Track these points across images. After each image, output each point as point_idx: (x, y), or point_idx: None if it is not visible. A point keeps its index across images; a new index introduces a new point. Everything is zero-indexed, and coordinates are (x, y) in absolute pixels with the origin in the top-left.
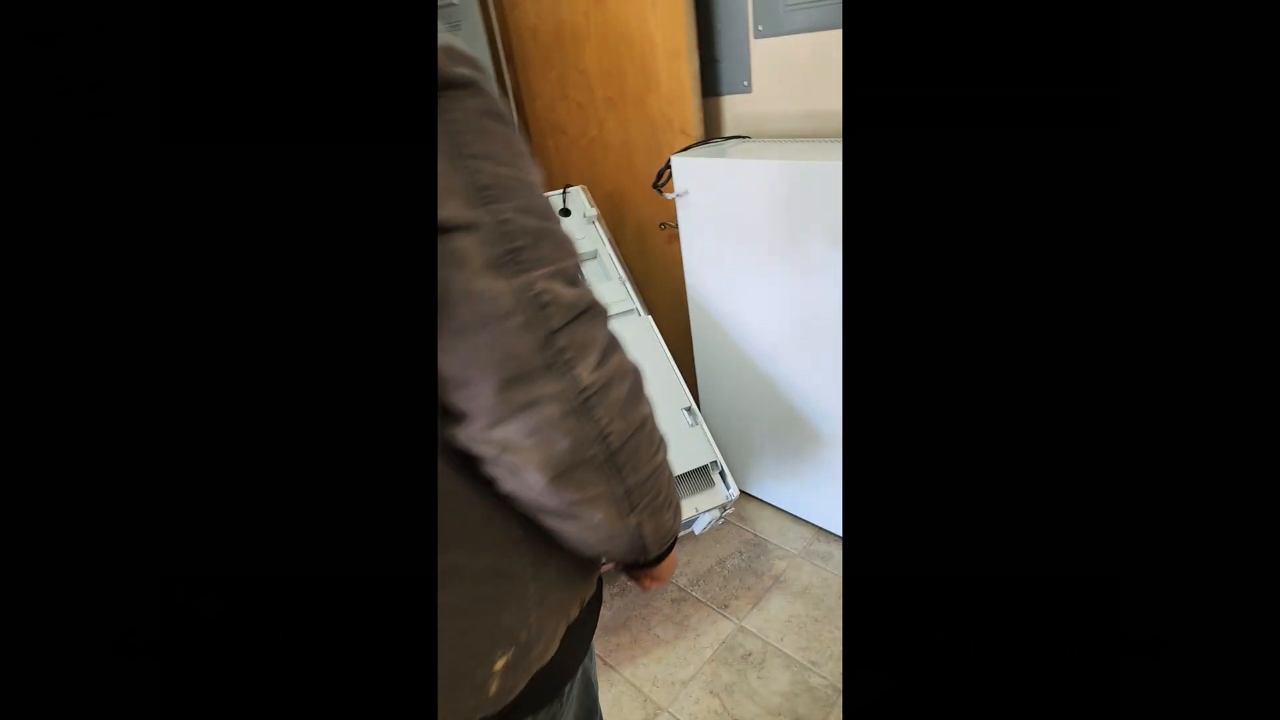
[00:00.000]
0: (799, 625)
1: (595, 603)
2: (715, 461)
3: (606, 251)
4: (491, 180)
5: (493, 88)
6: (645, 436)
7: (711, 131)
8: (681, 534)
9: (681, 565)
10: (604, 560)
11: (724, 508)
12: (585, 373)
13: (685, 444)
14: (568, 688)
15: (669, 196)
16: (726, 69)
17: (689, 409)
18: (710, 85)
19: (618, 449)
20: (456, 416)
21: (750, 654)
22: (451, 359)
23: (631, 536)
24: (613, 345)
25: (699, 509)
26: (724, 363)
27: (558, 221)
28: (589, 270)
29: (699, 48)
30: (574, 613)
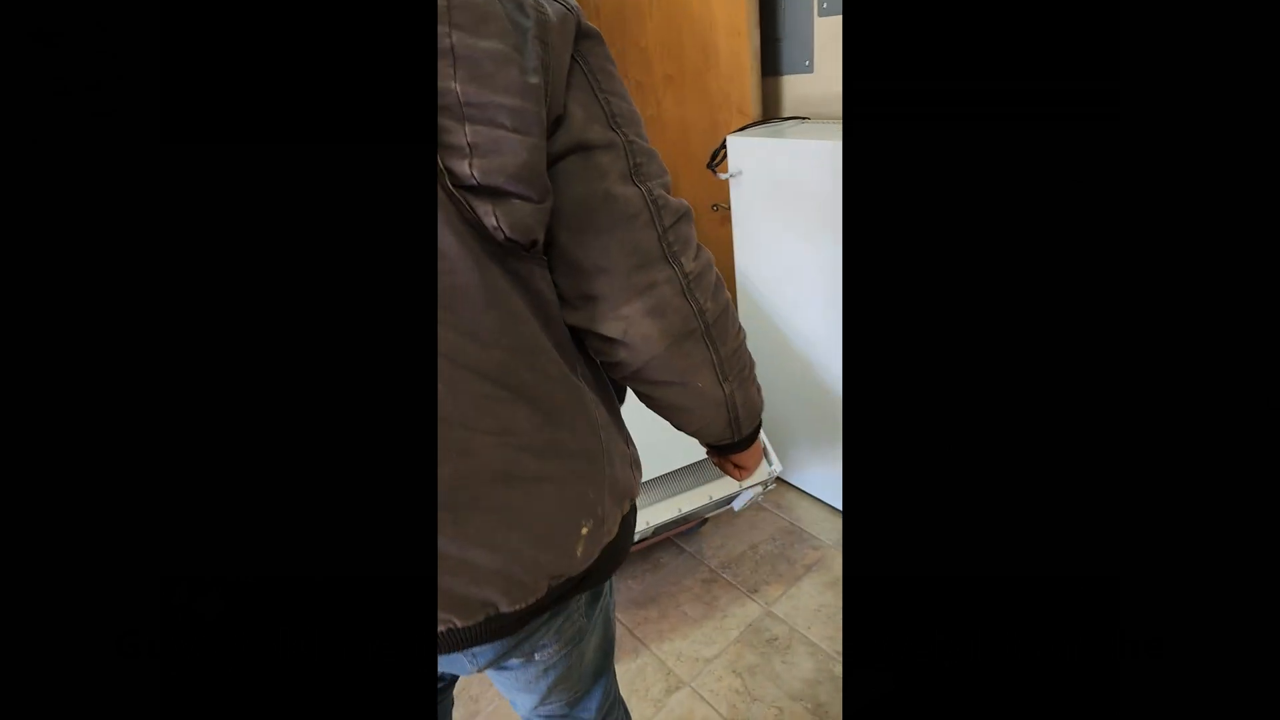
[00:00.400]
0: (828, 615)
1: (634, 508)
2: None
3: None
4: (619, 110)
5: None
6: (730, 317)
7: (770, 112)
8: (720, 511)
9: (714, 548)
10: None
11: (766, 484)
12: (688, 262)
13: None
14: (604, 594)
15: (723, 177)
16: (788, 47)
17: None
18: (770, 64)
19: (711, 324)
20: (590, 299)
21: (776, 638)
22: (592, 251)
23: (728, 405)
24: (700, 244)
25: (742, 485)
26: (769, 348)
27: None
28: None
29: (760, 25)
30: (626, 506)
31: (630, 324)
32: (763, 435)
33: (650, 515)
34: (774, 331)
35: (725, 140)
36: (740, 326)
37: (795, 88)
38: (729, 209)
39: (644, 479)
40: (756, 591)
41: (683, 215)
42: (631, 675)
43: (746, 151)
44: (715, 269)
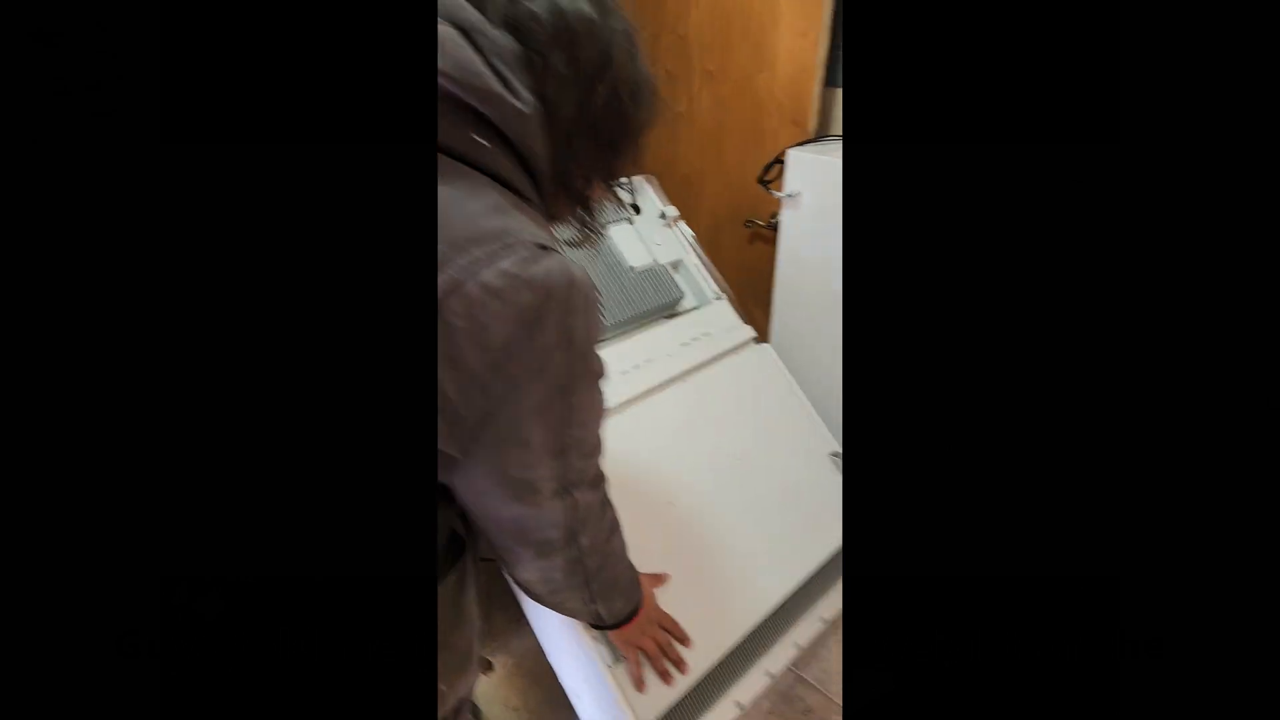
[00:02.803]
0: None
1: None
2: None
3: (693, 260)
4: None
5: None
6: (612, 550)
7: (825, 128)
8: None
9: None
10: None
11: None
12: (586, 539)
13: (835, 497)
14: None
15: (778, 195)
16: None
17: (836, 455)
18: (834, 74)
19: (593, 574)
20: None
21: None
22: (497, 532)
23: (592, 615)
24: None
25: None
26: (793, 388)
27: None
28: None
29: (831, 29)
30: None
31: (515, 571)
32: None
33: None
34: (810, 375)
35: (785, 154)
36: (613, 543)
37: None
38: (765, 226)
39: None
40: None
41: (601, 503)
42: None
43: (810, 170)
44: (610, 507)
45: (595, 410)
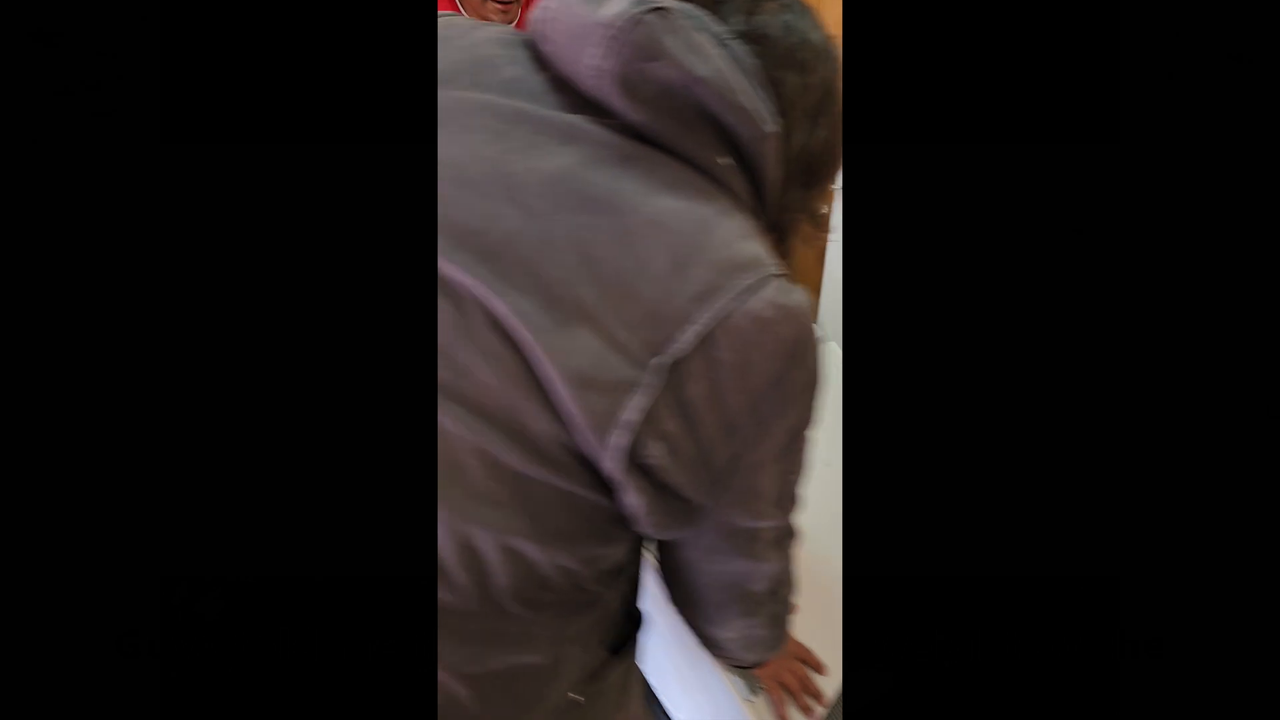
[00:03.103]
0: None
1: None
2: None
3: None
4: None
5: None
6: (789, 608)
7: None
8: None
9: None
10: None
11: None
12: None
13: None
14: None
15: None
16: None
17: None
18: None
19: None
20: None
21: None
22: (706, 597)
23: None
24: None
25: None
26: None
27: None
28: None
29: None
30: None
31: (713, 630)
32: None
33: None
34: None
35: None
36: (789, 591)
37: None
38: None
39: None
40: None
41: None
42: None
43: None
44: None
45: (806, 459)
